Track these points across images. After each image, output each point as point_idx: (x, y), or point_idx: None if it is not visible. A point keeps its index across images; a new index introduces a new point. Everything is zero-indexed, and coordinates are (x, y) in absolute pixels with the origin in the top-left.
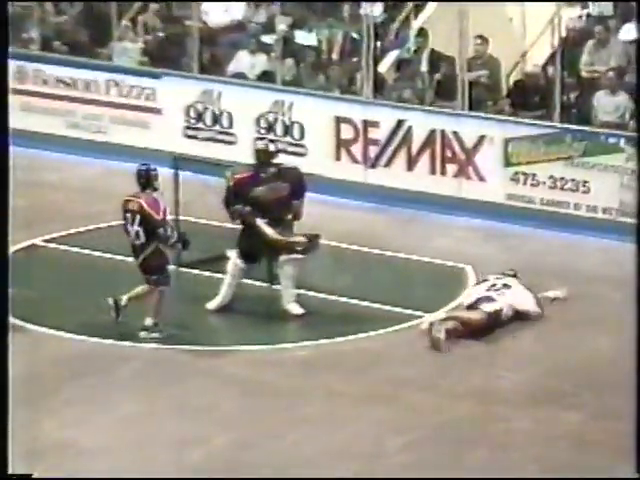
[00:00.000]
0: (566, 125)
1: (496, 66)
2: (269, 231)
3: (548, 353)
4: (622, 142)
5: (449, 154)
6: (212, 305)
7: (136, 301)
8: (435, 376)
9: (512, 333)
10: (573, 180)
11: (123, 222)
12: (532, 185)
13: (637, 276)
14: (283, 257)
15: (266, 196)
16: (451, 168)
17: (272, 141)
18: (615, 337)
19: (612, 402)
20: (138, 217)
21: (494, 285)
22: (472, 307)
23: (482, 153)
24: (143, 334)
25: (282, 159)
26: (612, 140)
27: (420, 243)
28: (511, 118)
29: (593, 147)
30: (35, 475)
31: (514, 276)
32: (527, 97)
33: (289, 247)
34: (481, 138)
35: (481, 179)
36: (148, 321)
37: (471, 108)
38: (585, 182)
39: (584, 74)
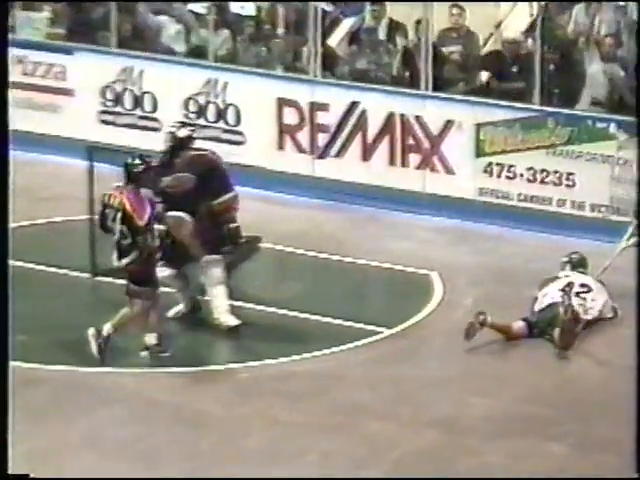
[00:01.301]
0: (548, 107)
1: (473, 41)
2: (177, 229)
3: (526, 374)
4: (613, 127)
5: (411, 142)
6: (170, 312)
7: (124, 327)
8: (395, 402)
9: (485, 351)
10: (556, 172)
11: (99, 217)
12: (508, 178)
13: (638, 284)
14: (204, 259)
15: (171, 187)
16: (413, 159)
17: (187, 124)
18: (606, 355)
19: (601, 431)
20: (120, 215)
21: (570, 285)
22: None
23: (449, 141)
24: (144, 354)
25: (217, 149)
26: (601, 125)
27: (378, 246)
28: (483, 99)
29: (579, 133)
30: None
31: (583, 265)
32: (504, 71)
33: (205, 247)
34: (448, 123)
35: (448, 171)
36: (149, 339)
37: (436, 88)
38: (570, 174)
39: (570, 43)
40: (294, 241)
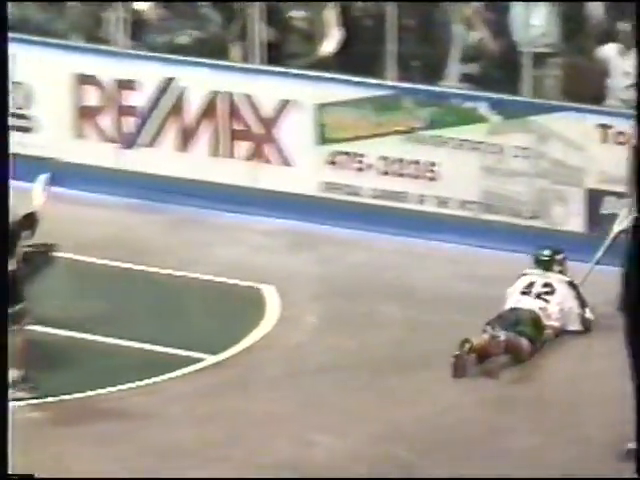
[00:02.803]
0: (404, 83)
1: (321, 5)
2: None
3: (382, 406)
4: (484, 107)
5: (239, 127)
6: None
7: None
8: (223, 443)
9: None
10: (416, 162)
11: None
12: (357, 170)
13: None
14: None
15: None
16: (242, 147)
17: None
18: (473, 382)
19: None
20: None
21: (531, 285)
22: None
23: (286, 125)
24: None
25: None
26: (469, 105)
27: (200, 254)
28: (326, 74)
29: (443, 115)
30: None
31: (549, 262)
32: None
33: None
34: (285, 103)
35: (285, 162)
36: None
37: (272, 61)
38: (432, 164)
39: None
40: (97, 250)
